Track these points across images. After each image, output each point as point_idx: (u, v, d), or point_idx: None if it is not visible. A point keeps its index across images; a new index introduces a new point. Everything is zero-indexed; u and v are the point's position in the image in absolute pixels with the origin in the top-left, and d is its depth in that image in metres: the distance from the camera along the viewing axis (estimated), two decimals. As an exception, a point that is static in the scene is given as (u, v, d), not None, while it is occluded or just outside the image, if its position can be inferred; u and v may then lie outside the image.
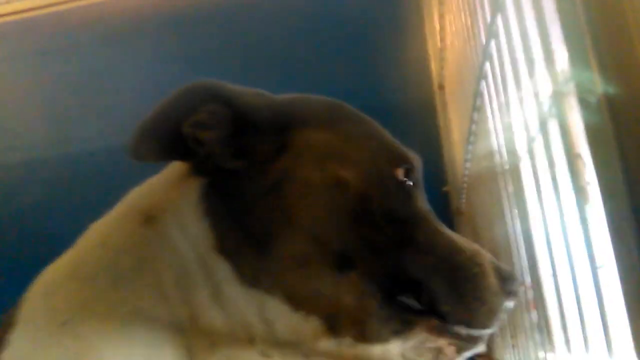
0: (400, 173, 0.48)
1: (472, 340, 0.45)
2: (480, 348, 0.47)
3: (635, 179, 0.22)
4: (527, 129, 0.48)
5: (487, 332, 0.45)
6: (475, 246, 0.48)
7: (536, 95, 0.43)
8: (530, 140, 0.47)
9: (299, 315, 0.45)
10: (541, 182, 0.46)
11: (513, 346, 0.74)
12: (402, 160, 0.49)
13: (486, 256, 0.46)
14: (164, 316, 0.45)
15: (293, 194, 0.46)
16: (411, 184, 0.49)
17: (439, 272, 0.45)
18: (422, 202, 0.50)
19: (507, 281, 0.45)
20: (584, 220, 0.33)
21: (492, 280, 0.45)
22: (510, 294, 0.45)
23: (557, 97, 0.36)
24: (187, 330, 0.45)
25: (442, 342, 0.44)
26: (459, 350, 0.45)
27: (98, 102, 1.69)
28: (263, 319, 0.45)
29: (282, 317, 0.45)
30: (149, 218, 0.48)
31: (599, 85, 0.24)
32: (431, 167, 1.48)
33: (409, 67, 1.55)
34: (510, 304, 0.45)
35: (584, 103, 0.27)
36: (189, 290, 0.45)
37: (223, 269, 0.45)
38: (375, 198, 0.46)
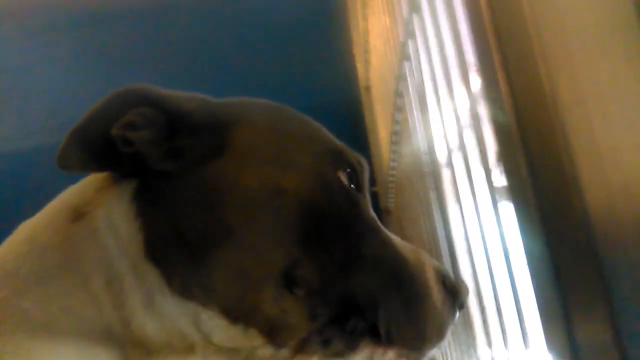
0: (343, 177, 0.45)
1: (421, 353, 0.43)
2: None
3: (541, 191, 0.22)
4: (445, 136, 0.48)
5: (436, 347, 0.43)
6: (419, 255, 0.45)
7: (454, 104, 0.43)
8: (450, 150, 0.47)
9: (237, 328, 0.42)
10: (460, 185, 0.46)
11: (443, 349, 0.75)
12: (346, 163, 0.46)
13: (431, 265, 0.45)
14: (94, 318, 0.41)
15: (232, 202, 0.43)
16: (355, 189, 0.46)
17: (386, 290, 0.43)
18: (368, 209, 0.47)
19: (453, 293, 0.43)
20: (497, 219, 0.34)
21: (438, 297, 0.43)
22: (457, 307, 0.43)
23: (473, 115, 0.36)
24: (120, 335, 0.42)
25: (389, 355, 0.43)
26: None
27: (10, 102, 1.59)
28: (199, 330, 0.43)
29: (219, 329, 0.43)
30: (79, 215, 0.44)
31: (508, 107, 0.24)
32: (361, 168, 1.49)
33: (336, 69, 1.56)
34: (456, 316, 0.43)
35: (495, 121, 0.27)
36: (119, 294, 0.42)
37: (152, 276, 0.42)
38: (319, 206, 0.44)
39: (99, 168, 0.44)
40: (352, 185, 0.46)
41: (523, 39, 0.21)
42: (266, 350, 0.43)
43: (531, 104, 0.22)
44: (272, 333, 0.43)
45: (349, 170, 0.46)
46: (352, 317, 0.42)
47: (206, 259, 0.42)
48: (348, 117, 1.50)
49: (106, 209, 0.44)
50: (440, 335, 0.43)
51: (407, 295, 0.43)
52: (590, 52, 0.19)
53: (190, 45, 1.60)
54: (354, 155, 0.48)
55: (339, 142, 0.49)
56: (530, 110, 0.22)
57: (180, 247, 0.43)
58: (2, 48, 1.65)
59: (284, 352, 0.43)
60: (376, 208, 1.41)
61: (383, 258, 0.44)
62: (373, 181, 1.37)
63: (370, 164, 1.49)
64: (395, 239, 0.46)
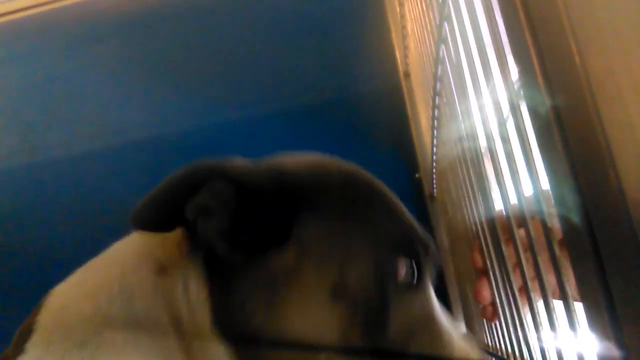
0: (402, 266, 0.45)
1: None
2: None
3: (580, 181, 0.23)
4: (485, 123, 0.48)
5: None
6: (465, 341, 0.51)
7: (492, 92, 0.43)
8: (489, 137, 0.47)
9: None
10: (502, 173, 0.46)
11: (489, 328, 0.74)
12: (408, 253, 0.46)
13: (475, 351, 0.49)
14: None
15: (290, 295, 0.44)
16: (416, 277, 0.46)
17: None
18: (427, 299, 0.49)
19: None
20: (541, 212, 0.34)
21: None
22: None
23: (512, 104, 0.36)
24: None
25: None
26: None
27: (61, 110, 1.66)
28: None
29: None
30: (162, 269, 0.48)
31: (547, 98, 0.24)
32: (404, 154, 1.50)
33: (374, 57, 1.55)
34: None
35: (534, 112, 0.27)
36: (188, 353, 0.45)
37: (217, 344, 0.45)
38: (371, 302, 0.44)
39: (170, 230, 0.47)
40: (413, 275, 0.46)
41: (552, 15, 0.21)
42: None
43: (563, 81, 0.22)
44: None
45: (411, 259, 0.46)
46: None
47: (266, 346, 0.44)
48: (389, 104, 1.49)
49: (183, 271, 0.47)
50: None
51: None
52: (619, 24, 0.18)
53: (230, 44, 1.62)
54: (421, 240, 0.48)
55: (407, 223, 0.48)
56: (562, 88, 0.22)
57: (244, 325, 0.44)
58: (51, 58, 1.72)
59: None
60: (420, 194, 1.40)
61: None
62: (416, 167, 1.37)
63: (413, 150, 1.48)
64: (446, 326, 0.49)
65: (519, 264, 0.44)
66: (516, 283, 0.50)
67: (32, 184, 1.57)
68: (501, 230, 0.51)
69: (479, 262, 0.60)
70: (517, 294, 0.51)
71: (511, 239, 0.44)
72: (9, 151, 1.64)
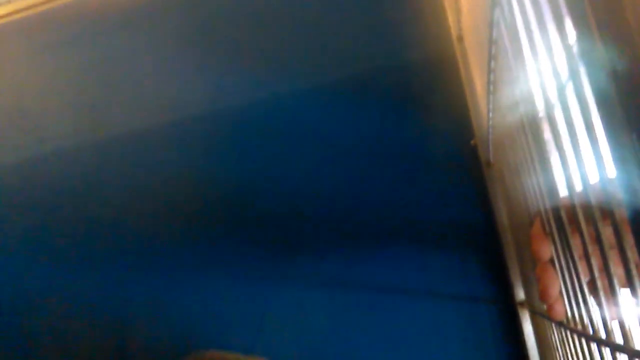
0: None
1: None
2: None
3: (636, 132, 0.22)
4: (543, 88, 0.46)
5: None
6: None
7: (550, 56, 0.41)
8: (548, 103, 0.45)
9: None
10: (562, 139, 0.44)
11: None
12: None
13: None
14: None
15: None
16: None
17: None
18: None
19: None
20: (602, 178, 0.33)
21: None
22: None
23: (571, 69, 0.35)
24: None
25: None
26: None
27: (120, 88, 1.72)
28: None
29: None
30: None
31: (606, 63, 0.23)
32: (459, 120, 1.47)
33: (426, 21, 1.51)
34: None
35: (593, 77, 0.26)
36: None
37: None
38: None
39: None
40: None
41: (623, 24, 0.20)
42: None
43: (620, 44, 0.21)
44: None
45: None
46: None
47: None
48: (442, 69, 1.46)
49: None
50: None
51: None
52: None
53: (278, 16, 1.62)
54: None
55: None
56: (620, 52, 0.21)
57: None
58: (111, 38, 1.78)
59: None
60: (475, 161, 1.38)
61: None
62: (472, 134, 1.34)
63: (468, 116, 1.45)
64: None
65: (581, 239, 0.43)
66: (580, 259, 0.49)
67: (97, 160, 1.65)
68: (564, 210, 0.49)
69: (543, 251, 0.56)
70: (578, 261, 0.49)
71: (575, 219, 0.43)
72: (75, 129, 1.72)
